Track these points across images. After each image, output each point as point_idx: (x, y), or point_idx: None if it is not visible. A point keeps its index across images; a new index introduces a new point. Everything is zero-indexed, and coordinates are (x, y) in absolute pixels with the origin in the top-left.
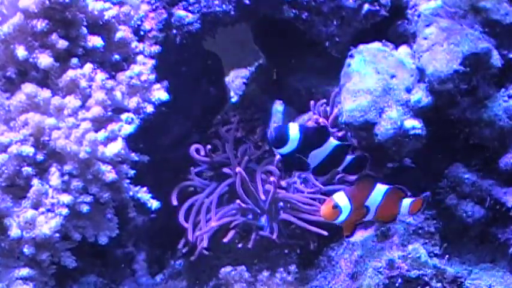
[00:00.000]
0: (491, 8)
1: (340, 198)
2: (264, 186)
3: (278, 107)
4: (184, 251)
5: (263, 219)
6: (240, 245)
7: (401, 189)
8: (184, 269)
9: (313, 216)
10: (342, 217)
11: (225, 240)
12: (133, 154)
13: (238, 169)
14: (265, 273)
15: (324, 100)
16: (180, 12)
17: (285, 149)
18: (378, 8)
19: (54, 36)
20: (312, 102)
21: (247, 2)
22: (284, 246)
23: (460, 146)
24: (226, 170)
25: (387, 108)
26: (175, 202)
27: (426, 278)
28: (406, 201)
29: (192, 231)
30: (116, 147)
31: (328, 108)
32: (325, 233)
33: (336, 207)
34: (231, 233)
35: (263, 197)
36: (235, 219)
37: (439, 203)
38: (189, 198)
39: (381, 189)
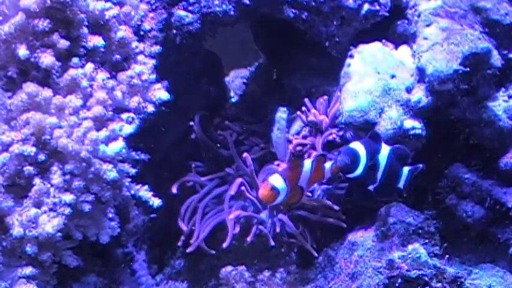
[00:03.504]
0: (491, 8)
1: (276, 180)
2: None
3: (282, 114)
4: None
5: (264, 215)
6: (240, 244)
7: (323, 155)
8: (184, 269)
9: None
10: (280, 197)
11: (234, 232)
12: (133, 153)
13: (245, 154)
14: (266, 273)
15: (321, 100)
16: (180, 12)
17: (356, 172)
18: (377, 8)
19: (55, 36)
20: (306, 100)
21: (247, 2)
22: (283, 244)
23: (460, 146)
24: (229, 169)
25: (387, 108)
26: (175, 190)
27: (426, 278)
28: (327, 165)
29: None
30: (117, 146)
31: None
32: (344, 225)
33: (273, 189)
34: (237, 227)
35: None
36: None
37: (439, 203)
38: (188, 196)
39: (307, 163)
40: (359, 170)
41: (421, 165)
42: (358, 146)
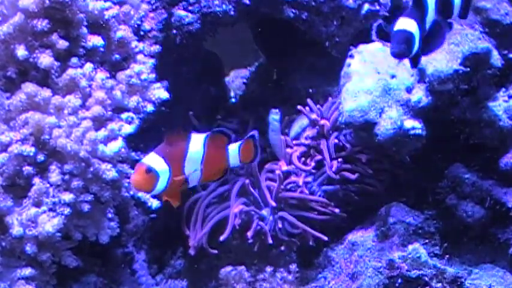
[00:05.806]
0: (491, 8)
1: (153, 160)
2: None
3: (274, 115)
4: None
5: (265, 212)
6: (240, 243)
7: (223, 132)
8: (184, 269)
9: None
10: (162, 183)
11: (236, 223)
12: (133, 153)
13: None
14: (268, 269)
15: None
16: (180, 12)
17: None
18: (378, 8)
19: (54, 36)
20: (309, 100)
21: (247, 2)
22: (284, 242)
23: (460, 146)
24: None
25: (387, 108)
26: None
27: (426, 278)
28: (233, 147)
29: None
30: (116, 146)
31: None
32: (325, 238)
33: (150, 171)
34: (238, 220)
35: (272, 202)
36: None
37: (439, 203)
38: (189, 196)
39: (198, 138)
40: (415, 49)
41: None
42: (408, 24)
